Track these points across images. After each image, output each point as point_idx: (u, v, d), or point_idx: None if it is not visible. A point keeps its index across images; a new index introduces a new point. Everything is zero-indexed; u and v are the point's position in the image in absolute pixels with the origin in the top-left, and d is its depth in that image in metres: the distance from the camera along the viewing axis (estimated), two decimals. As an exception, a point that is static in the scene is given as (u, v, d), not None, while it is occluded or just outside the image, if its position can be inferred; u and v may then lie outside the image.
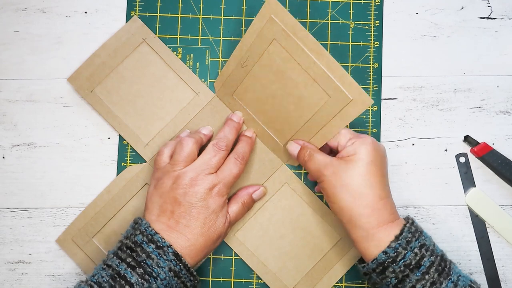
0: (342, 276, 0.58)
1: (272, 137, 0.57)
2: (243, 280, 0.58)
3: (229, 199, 0.55)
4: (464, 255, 0.58)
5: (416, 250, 0.47)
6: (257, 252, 0.58)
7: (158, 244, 0.48)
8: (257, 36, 0.53)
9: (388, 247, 0.47)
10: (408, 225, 0.48)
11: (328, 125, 0.52)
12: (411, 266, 0.47)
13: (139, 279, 0.47)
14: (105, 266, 0.49)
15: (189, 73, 0.59)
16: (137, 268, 0.48)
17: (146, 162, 0.58)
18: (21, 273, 0.58)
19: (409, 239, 0.47)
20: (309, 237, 0.57)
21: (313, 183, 0.59)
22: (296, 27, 0.50)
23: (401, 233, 0.48)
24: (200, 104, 0.59)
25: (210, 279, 0.58)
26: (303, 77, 0.51)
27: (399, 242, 0.47)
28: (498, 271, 0.58)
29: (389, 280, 0.48)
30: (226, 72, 0.57)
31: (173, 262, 0.48)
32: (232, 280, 0.58)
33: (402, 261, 0.47)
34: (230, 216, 0.54)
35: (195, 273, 0.50)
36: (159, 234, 0.49)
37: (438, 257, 0.48)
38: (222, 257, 0.58)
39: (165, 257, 0.48)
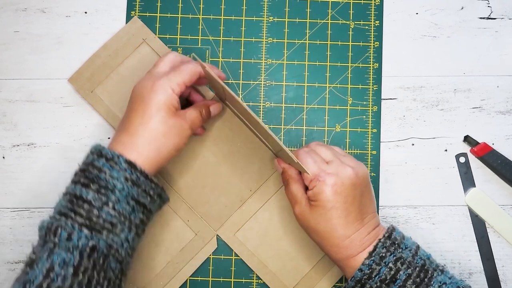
0: (342, 277, 0.58)
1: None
2: (243, 280, 0.58)
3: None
4: (464, 255, 0.58)
5: (390, 264, 0.47)
6: (257, 252, 0.58)
7: (108, 156, 0.48)
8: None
9: (363, 264, 0.48)
10: (382, 239, 0.48)
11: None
12: (387, 281, 0.47)
13: (96, 194, 0.46)
14: (62, 195, 0.48)
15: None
16: (91, 185, 0.47)
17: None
18: (21, 273, 0.58)
19: (383, 255, 0.48)
20: (308, 238, 0.58)
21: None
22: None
23: (374, 249, 0.48)
24: None
25: (210, 279, 0.58)
26: None
27: (372, 258, 0.47)
28: (498, 271, 0.58)
29: None
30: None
31: (128, 171, 0.47)
32: (232, 280, 0.58)
33: (377, 276, 0.47)
34: (187, 117, 0.52)
35: (155, 180, 0.49)
36: (106, 148, 0.48)
37: (417, 268, 0.47)
38: (222, 257, 0.58)
39: (117, 167, 0.47)
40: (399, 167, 0.59)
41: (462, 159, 0.59)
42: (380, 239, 0.48)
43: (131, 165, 0.47)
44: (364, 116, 0.59)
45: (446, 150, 0.59)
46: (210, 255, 0.58)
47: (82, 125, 0.59)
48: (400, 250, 0.48)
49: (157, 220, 0.57)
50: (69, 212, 0.46)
